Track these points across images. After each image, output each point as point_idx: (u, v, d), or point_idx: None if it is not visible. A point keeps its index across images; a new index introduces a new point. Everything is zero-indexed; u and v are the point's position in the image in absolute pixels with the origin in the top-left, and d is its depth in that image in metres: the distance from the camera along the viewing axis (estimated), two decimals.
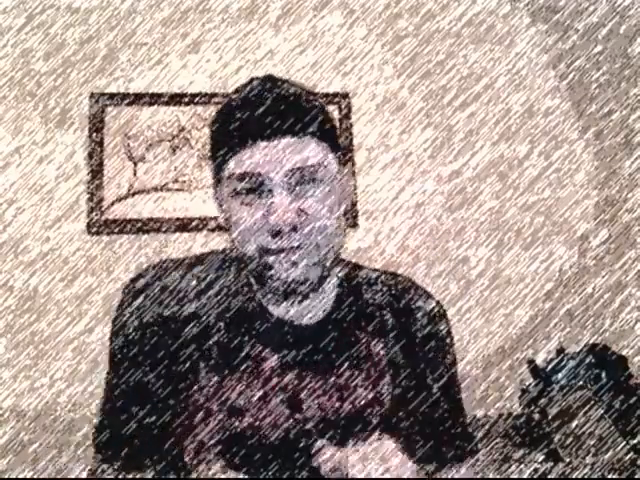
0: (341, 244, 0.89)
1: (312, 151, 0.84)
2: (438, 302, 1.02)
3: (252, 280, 0.93)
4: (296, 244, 0.83)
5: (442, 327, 1.00)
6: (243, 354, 0.89)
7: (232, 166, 0.84)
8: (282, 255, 0.83)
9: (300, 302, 0.90)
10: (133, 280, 0.93)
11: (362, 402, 0.90)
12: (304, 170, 0.83)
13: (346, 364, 0.91)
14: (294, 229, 0.83)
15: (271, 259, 0.84)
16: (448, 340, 1.01)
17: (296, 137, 0.84)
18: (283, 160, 0.82)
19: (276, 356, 0.89)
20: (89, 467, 0.95)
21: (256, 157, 0.83)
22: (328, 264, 0.87)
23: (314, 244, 0.84)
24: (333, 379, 0.90)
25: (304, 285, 0.86)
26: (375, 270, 1.02)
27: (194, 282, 0.93)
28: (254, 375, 0.88)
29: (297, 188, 0.84)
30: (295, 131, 0.84)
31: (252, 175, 0.83)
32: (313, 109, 0.87)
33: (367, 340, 0.93)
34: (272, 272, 0.85)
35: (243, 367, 0.88)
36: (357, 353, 0.92)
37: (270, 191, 0.83)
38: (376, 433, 0.87)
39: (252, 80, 0.89)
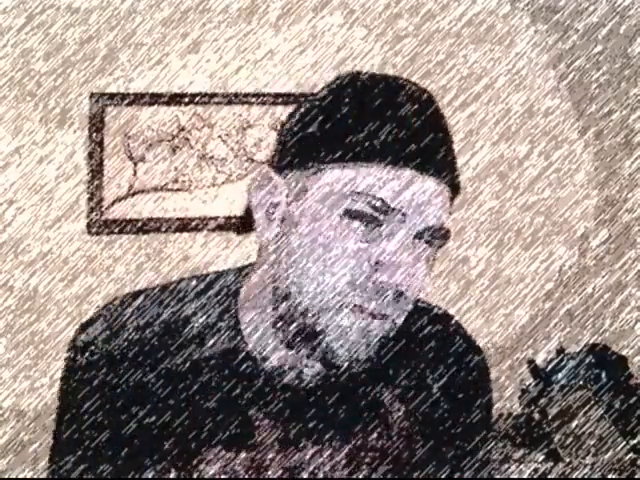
0: None
1: (447, 208, 0.66)
2: (483, 357, 0.81)
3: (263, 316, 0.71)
4: (383, 312, 0.65)
5: (480, 394, 0.79)
6: (230, 420, 0.71)
7: (360, 180, 0.63)
8: (356, 320, 0.64)
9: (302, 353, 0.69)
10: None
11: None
12: (437, 230, 0.66)
13: (354, 433, 0.72)
14: (398, 295, 0.65)
15: (335, 317, 0.64)
16: (484, 407, 0.80)
17: (443, 184, 0.65)
18: (430, 209, 0.64)
19: (270, 422, 0.71)
20: None
21: (402, 189, 0.62)
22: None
23: (395, 319, 0.67)
24: (332, 452, 0.72)
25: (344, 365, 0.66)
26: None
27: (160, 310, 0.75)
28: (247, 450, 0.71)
29: (418, 244, 0.66)
30: (445, 177, 0.65)
31: (387, 207, 0.62)
32: (454, 152, 0.69)
33: (382, 403, 0.75)
34: (321, 330, 0.65)
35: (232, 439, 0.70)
36: (368, 419, 0.73)
37: (393, 236, 0.64)
38: None
39: (396, 79, 0.71)
